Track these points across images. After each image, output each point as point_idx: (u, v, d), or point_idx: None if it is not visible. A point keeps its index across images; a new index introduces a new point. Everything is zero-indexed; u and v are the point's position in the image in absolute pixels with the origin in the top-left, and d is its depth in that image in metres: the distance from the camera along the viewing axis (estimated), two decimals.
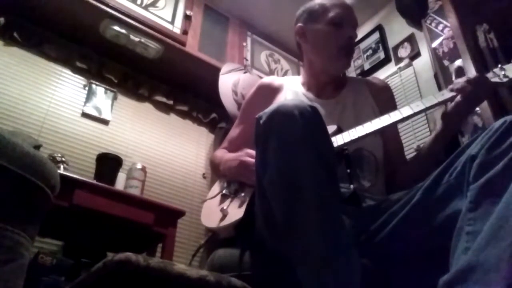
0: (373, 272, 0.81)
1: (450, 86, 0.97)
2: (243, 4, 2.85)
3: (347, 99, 1.20)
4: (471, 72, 1.87)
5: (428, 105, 0.96)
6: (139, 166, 2.19)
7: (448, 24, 2.13)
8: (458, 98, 0.95)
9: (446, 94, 0.97)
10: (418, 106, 0.97)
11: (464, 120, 0.97)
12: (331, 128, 0.99)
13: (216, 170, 1.23)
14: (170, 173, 2.59)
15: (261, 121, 0.79)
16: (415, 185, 0.84)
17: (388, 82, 2.43)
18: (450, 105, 0.97)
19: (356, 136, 0.98)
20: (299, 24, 1.26)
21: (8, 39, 2.25)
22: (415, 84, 2.31)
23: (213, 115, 2.87)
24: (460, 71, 1.02)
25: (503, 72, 0.93)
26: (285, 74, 3.02)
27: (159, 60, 2.53)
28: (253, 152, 1.03)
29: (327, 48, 1.19)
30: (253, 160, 1.00)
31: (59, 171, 1.33)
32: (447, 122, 1.01)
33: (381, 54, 2.62)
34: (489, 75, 0.95)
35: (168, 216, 1.93)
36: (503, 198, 0.60)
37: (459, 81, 0.95)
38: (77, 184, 1.70)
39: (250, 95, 1.30)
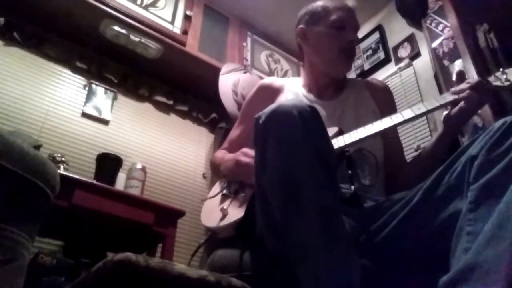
0: (373, 272, 0.81)
1: (452, 90, 0.97)
2: (243, 4, 2.85)
3: (348, 100, 1.20)
4: (472, 73, 1.87)
5: (429, 108, 0.96)
6: (139, 166, 2.19)
7: (448, 24, 2.13)
8: (461, 103, 0.95)
9: (448, 97, 0.97)
10: (420, 109, 0.96)
11: (465, 124, 0.97)
12: (332, 130, 0.99)
13: (216, 172, 1.23)
14: (170, 173, 2.59)
15: (260, 121, 0.79)
16: (416, 186, 0.84)
17: (388, 82, 2.43)
18: (452, 110, 0.97)
19: (357, 138, 0.97)
20: (301, 26, 1.27)
21: (8, 39, 2.25)
22: (415, 84, 2.31)
23: (213, 115, 2.87)
24: (461, 75, 1.01)
25: (504, 76, 0.93)
26: (285, 74, 3.02)
27: (159, 60, 2.53)
28: (250, 151, 1.03)
29: (329, 51, 1.20)
30: (249, 159, 1.00)
31: (59, 171, 1.33)
32: (448, 126, 1.01)
33: (381, 54, 2.62)
34: (491, 78, 0.95)
35: (168, 216, 1.93)
36: (503, 198, 0.60)
37: (461, 87, 0.95)
38: (77, 184, 1.70)
39: (251, 96, 1.30)
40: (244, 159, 1.03)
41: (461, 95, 0.94)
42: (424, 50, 2.35)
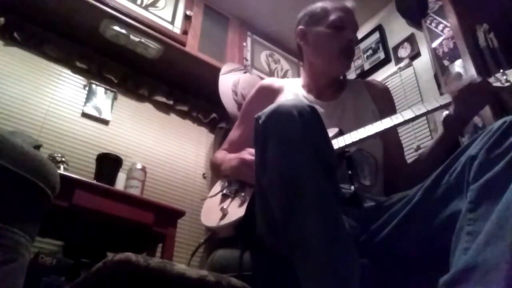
0: (373, 272, 0.81)
1: (451, 90, 0.97)
2: (243, 4, 2.85)
3: (347, 100, 1.20)
4: (472, 73, 1.87)
5: (429, 108, 0.96)
6: (139, 166, 2.19)
7: (448, 24, 2.13)
8: (460, 105, 0.95)
9: (448, 97, 0.97)
10: (420, 109, 0.96)
11: (466, 126, 0.97)
12: (333, 131, 0.99)
13: (216, 171, 1.23)
14: (170, 173, 2.59)
15: (260, 121, 0.79)
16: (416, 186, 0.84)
17: (388, 82, 2.43)
18: (451, 111, 0.97)
19: (357, 138, 0.98)
20: (300, 27, 1.27)
21: (8, 39, 2.25)
22: (415, 84, 2.31)
23: (213, 115, 2.87)
24: (459, 78, 1.01)
25: (505, 77, 0.93)
26: (285, 74, 3.02)
27: (159, 60, 2.53)
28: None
29: (328, 51, 1.20)
30: (253, 157, 1.00)
31: (59, 171, 1.33)
32: (448, 127, 1.01)
33: (381, 54, 2.62)
34: (491, 79, 0.95)
35: (168, 216, 1.93)
36: (503, 198, 0.60)
37: (459, 86, 0.95)
38: (77, 184, 1.70)
39: (250, 96, 1.30)
40: (249, 157, 1.03)
41: (457, 94, 0.94)
42: (424, 50, 2.35)
